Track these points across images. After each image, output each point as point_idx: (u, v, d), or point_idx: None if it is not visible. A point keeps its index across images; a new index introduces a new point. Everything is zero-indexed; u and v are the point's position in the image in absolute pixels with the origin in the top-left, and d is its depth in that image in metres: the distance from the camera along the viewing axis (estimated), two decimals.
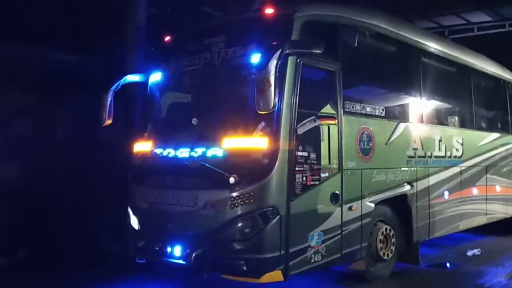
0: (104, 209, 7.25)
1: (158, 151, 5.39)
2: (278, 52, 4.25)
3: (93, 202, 7.48)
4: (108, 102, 5.58)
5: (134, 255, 5.35)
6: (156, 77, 5.75)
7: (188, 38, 5.73)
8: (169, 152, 5.22)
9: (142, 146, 5.66)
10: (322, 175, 4.93)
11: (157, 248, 4.95)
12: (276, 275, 4.50)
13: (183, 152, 5.06)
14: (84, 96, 7.80)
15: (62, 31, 8.59)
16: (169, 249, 4.86)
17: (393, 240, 5.91)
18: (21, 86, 7.57)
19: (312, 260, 4.80)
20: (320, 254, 4.87)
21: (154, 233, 5.12)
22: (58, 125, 8.21)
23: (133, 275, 5.88)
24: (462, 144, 7.44)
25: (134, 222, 5.43)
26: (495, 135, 8.48)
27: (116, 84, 5.71)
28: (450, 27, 13.73)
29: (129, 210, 5.53)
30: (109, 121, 5.65)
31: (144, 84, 6.07)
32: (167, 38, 5.93)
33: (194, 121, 5.11)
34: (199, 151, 4.94)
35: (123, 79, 5.87)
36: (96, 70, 8.42)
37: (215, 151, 4.82)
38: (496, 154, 8.39)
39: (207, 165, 4.76)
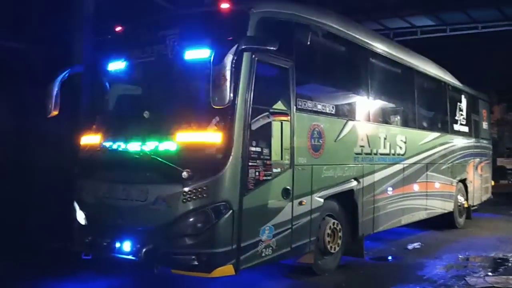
0: (47, 204, 6.98)
1: (108, 144, 5.24)
2: (234, 47, 4.25)
3: (35, 196, 7.17)
4: (54, 92, 5.42)
5: (80, 250, 5.21)
6: (106, 67, 5.58)
7: (141, 29, 5.61)
8: (119, 145, 5.10)
9: (90, 139, 5.48)
10: (274, 170, 4.99)
11: (105, 244, 4.83)
12: (227, 269, 4.51)
13: (134, 146, 4.96)
14: (26, 85, 7.46)
15: (3, 16, 8.13)
16: (118, 245, 4.75)
17: (340, 234, 6.08)
18: None
19: (263, 254, 4.85)
20: (271, 248, 4.93)
21: (102, 228, 4.99)
22: None
23: (79, 271, 5.71)
24: (405, 143, 7.75)
25: (81, 217, 5.26)
26: (435, 134, 8.92)
27: (63, 73, 5.52)
28: (395, 29, 14.30)
29: (75, 204, 5.35)
30: (55, 112, 5.50)
31: (92, 74, 5.88)
32: (118, 28, 5.76)
33: (146, 114, 5.02)
34: (151, 144, 4.86)
35: (70, 69, 5.68)
36: (40, 59, 8.06)
37: (167, 145, 4.75)
38: (436, 153, 8.84)
39: (159, 159, 4.69)
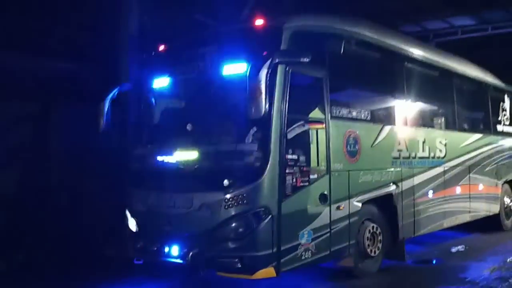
0: (99, 214, 7.44)
1: (155, 156, 5.61)
2: (268, 61, 4.51)
3: (89, 207, 7.66)
4: (105, 109, 5.79)
5: (132, 256, 5.56)
6: (151, 84, 5.97)
7: (182, 47, 5.97)
8: (165, 156, 5.46)
9: (139, 152, 5.89)
10: (311, 176, 5.19)
11: (155, 249, 5.19)
12: (269, 272, 4.74)
13: (179, 157, 5.31)
14: (77, 103, 7.99)
15: (55, 39, 8.75)
16: (166, 249, 5.10)
17: (380, 237, 6.17)
18: (15, 94, 7.71)
19: (303, 257, 5.05)
20: (310, 251, 5.12)
21: (152, 235, 5.35)
22: (52, 132, 8.37)
23: (130, 276, 6.07)
24: (445, 145, 7.73)
25: (132, 224, 5.65)
26: (478, 135, 8.81)
27: (113, 92, 5.92)
28: (434, 30, 14.11)
29: (127, 213, 5.74)
30: (106, 127, 5.87)
31: (139, 91, 6.29)
32: (161, 47, 6.14)
33: (189, 126, 5.36)
34: (194, 155, 5.19)
35: (119, 87, 6.09)
36: (88, 78, 8.60)
37: (209, 155, 5.07)
38: (479, 154, 8.72)
39: (202, 168, 5.01)
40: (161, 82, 5.87)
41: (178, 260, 5.01)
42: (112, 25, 8.72)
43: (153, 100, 5.99)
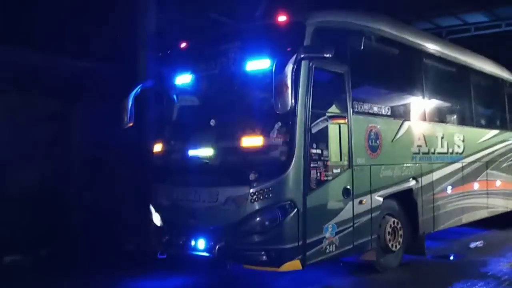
0: (121, 210, 7.54)
1: (179, 151, 5.70)
2: (294, 57, 4.56)
3: (110, 203, 7.76)
4: (129, 106, 5.88)
5: (158, 250, 5.65)
6: (174, 81, 6.06)
7: (204, 44, 6.04)
8: (189, 152, 5.53)
9: (163, 147, 5.96)
10: (334, 171, 5.25)
11: (181, 242, 5.27)
12: (295, 264, 4.80)
13: (203, 152, 5.38)
14: (97, 100, 8.12)
15: (75, 38, 8.87)
16: (193, 243, 5.18)
17: (401, 232, 6.22)
18: (36, 92, 7.84)
19: (327, 251, 5.11)
20: (334, 245, 5.18)
21: (177, 229, 5.43)
22: (74, 129, 8.49)
23: (154, 271, 6.16)
24: (463, 141, 7.75)
25: (157, 219, 5.74)
26: (495, 132, 8.79)
27: (136, 88, 6.02)
28: (447, 27, 14.08)
29: (151, 207, 5.83)
30: (130, 124, 5.96)
31: (162, 88, 6.37)
32: (183, 44, 6.22)
33: (213, 122, 5.43)
34: (218, 150, 5.26)
35: (142, 84, 6.19)
36: (108, 76, 8.72)
37: (234, 150, 5.14)
38: (496, 150, 8.71)
39: (227, 163, 5.08)
40: (184, 79, 5.95)
41: (205, 253, 5.09)
42: (130, 24, 8.83)
43: (176, 96, 6.08)
